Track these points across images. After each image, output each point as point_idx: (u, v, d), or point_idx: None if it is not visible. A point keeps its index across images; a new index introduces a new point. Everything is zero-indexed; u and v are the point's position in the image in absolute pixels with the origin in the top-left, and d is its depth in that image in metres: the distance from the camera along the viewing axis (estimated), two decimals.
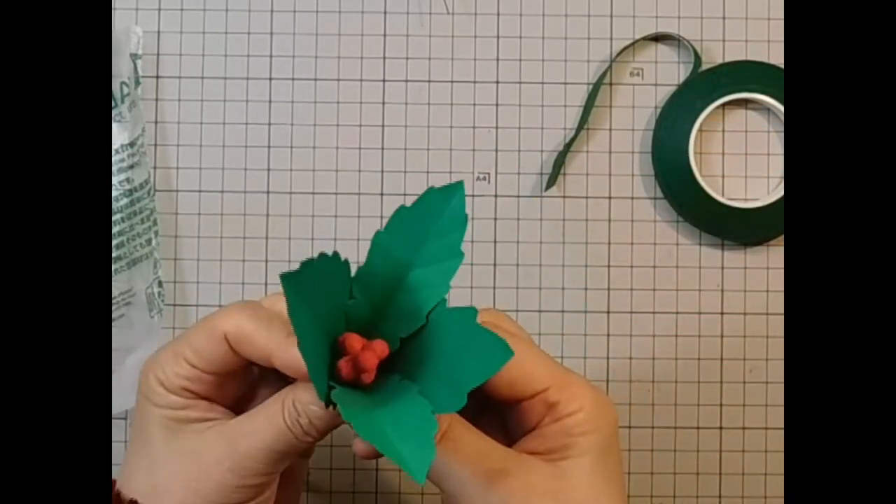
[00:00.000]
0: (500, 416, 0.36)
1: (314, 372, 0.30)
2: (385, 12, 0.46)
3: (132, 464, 0.34)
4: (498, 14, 0.46)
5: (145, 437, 0.34)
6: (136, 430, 0.34)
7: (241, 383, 0.35)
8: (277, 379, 0.34)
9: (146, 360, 0.35)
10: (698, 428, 0.45)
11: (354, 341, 0.31)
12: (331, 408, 0.31)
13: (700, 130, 0.45)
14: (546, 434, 0.33)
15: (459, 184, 0.32)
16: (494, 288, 0.46)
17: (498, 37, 0.46)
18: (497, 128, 0.46)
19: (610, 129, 0.46)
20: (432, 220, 0.32)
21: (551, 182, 0.44)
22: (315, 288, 0.30)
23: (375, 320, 0.32)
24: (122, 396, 0.43)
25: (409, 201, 0.46)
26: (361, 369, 0.31)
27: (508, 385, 0.34)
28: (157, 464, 0.33)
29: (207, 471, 0.32)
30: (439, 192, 0.32)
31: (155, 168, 0.46)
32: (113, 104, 0.43)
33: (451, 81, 0.46)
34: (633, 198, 0.46)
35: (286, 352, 0.32)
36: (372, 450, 0.32)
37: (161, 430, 0.33)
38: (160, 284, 0.45)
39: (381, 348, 0.31)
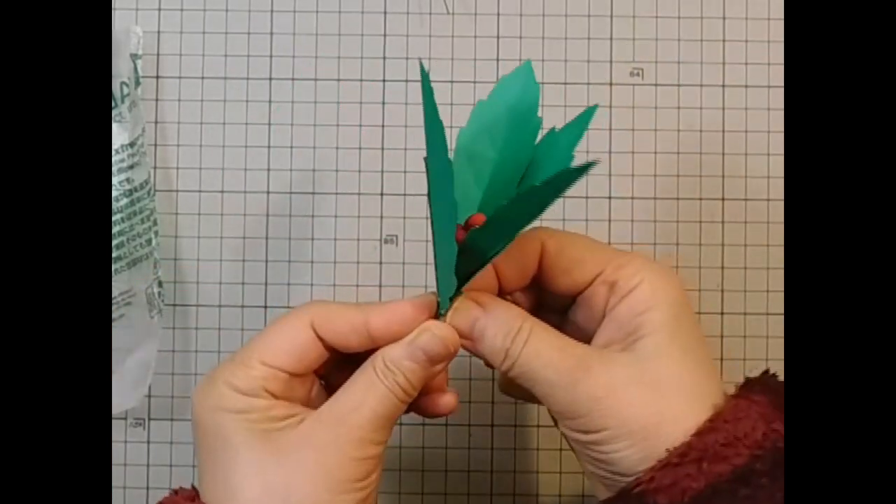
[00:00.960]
0: (567, 323, 0.36)
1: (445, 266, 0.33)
2: (385, 12, 0.46)
3: (219, 486, 0.33)
4: (498, 14, 0.46)
5: (230, 454, 0.32)
6: (209, 451, 0.33)
7: (307, 387, 0.35)
8: (340, 372, 0.35)
9: (197, 388, 0.34)
10: None
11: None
12: (423, 347, 0.33)
13: None
14: (616, 318, 0.34)
15: (527, 64, 0.35)
16: None
17: (498, 37, 0.46)
18: None
19: (610, 129, 0.46)
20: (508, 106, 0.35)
21: None
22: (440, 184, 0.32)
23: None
24: (122, 396, 0.43)
25: (409, 201, 0.46)
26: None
27: (565, 273, 0.35)
28: (256, 472, 0.32)
29: (322, 458, 0.32)
30: (509, 78, 0.35)
31: (155, 168, 0.46)
32: (113, 104, 0.43)
33: (451, 81, 0.46)
34: (633, 198, 0.46)
35: (382, 312, 0.34)
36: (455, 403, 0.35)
37: (248, 437, 0.32)
38: (160, 284, 0.45)
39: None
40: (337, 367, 0.35)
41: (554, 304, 0.37)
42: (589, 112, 0.34)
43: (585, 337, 0.35)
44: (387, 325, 0.34)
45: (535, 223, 0.33)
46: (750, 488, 0.31)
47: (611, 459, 0.32)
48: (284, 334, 0.34)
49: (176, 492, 0.34)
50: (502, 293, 0.36)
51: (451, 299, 0.34)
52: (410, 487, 0.45)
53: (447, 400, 0.36)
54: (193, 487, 0.34)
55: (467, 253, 0.33)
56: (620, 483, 0.32)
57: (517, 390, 0.36)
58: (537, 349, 0.33)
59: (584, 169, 0.30)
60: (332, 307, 0.34)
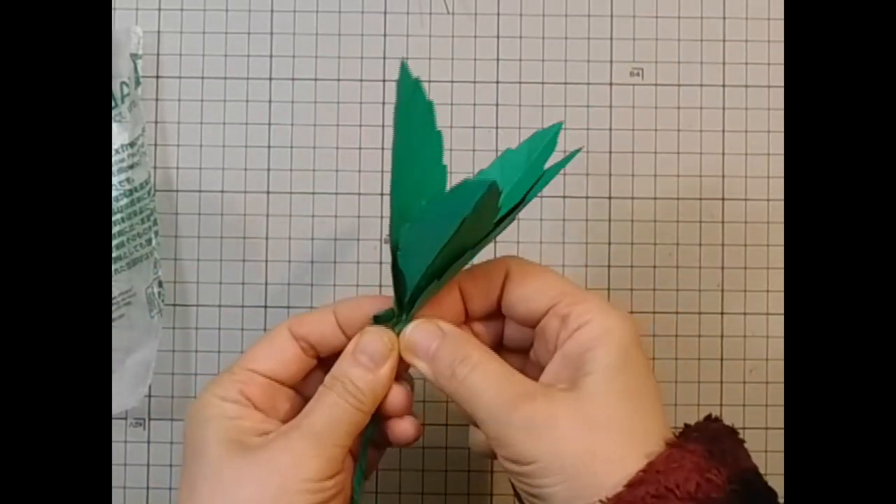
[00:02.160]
0: (535, 363, 0.37)
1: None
2: (385, 12, 0.46)
3: (184, 492, 0.34)
4: (498, 14, 0.46)
5: (196, 460, 0.34)
6: (185, 458, 0.34)
7: (291, 404, 0.37)
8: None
9: (192, 401, 0.36)
10: None
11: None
12: (363, 349, 0.35)
13: None
14: (565, 353, 0.34)
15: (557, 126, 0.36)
16: None
17: (498, 37, 0.46)
18: (497, 128, 0.46)
19: (610, 129, 0.46)
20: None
21: None
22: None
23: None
24: (122, 396, 0.43)
25: None
26: None
27: (524, 300, 0.35)
28: (213, 478, 0.33)
29: (276, 459, 0.33)
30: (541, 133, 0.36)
31: (155, 168, 0.46)
32: (113, 104, 0.43)
33: (451, 81, 0.46)
34: (633, 198, 0.46)
35: (347, 303, 0.36)
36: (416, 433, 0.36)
37: (216, 445, 0.34)
38: (160, 284, 0.45)
39: None
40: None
41: (517, 343, 0.37)
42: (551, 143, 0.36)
43: (540, 371, 0.35)
44: (352, 315, 0.36)
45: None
46: None
47: (542, 494, 0.32)
48: (264, 341, 0.37)
49: None
50: (468, 317, 0.37)
51: (406, 318, 0.35)
52: (410, 487, 0.45)
53: (404, 427, 0.36)
54: None
55: (398, 274, 0.34)
56: None
57: (480, 447, 0.37)
58: (483, 374, 0.34)
59: (485, 187, 0.31)
60: (306, 314, 0.37)
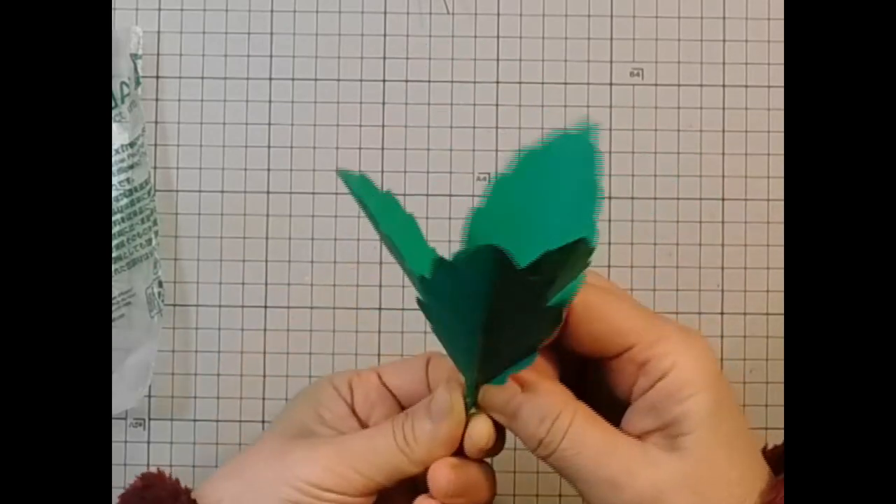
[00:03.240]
0: (597, 391, 0.34)
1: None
2: (385, 12, 0.46)
3: (224, 473, 0.35)
4: (498, 14, 0.46)
5: (259, 440, 0.35)
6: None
7: (384, 411, 0.35)
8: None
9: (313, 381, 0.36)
10: None
11: None
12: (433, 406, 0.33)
13: None
14: (650, 404, 0.31)
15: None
16: None
17: (498, 37, 0.46)
18: (497, 128, 0.46)
19: (610, 130, 0.46)
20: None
21: None
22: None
23: None
24: (122, 396, 0.43)
25: (409, 201, 0.46)
26: None
27: (590, 339, 0.32)
28: (253, 468, 0.34)
29: (295, 454, 0.33)
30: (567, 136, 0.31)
31: (155, 168, 0.46)
32: (113, 104, 0.43)
33: (451, 81, 0.46)
34: (632, 198, 0.46)
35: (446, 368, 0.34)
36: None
37: (286, 434, 0.35)
38: (160, 284, 0.45)
39: None
40: None
41: (572, 364, 0.34)
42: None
43: (607, 405, 0.32)
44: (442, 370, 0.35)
45: None
46: None
47: None
48: (405, 361, 0.37)
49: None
50: None
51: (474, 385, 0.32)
52: None
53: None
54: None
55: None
56: None
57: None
58: (579, 443, 0.31)
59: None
60: (447, 359, 0.33)
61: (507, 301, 0.28)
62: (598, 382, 0.33)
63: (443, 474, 0.32)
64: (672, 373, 0.31)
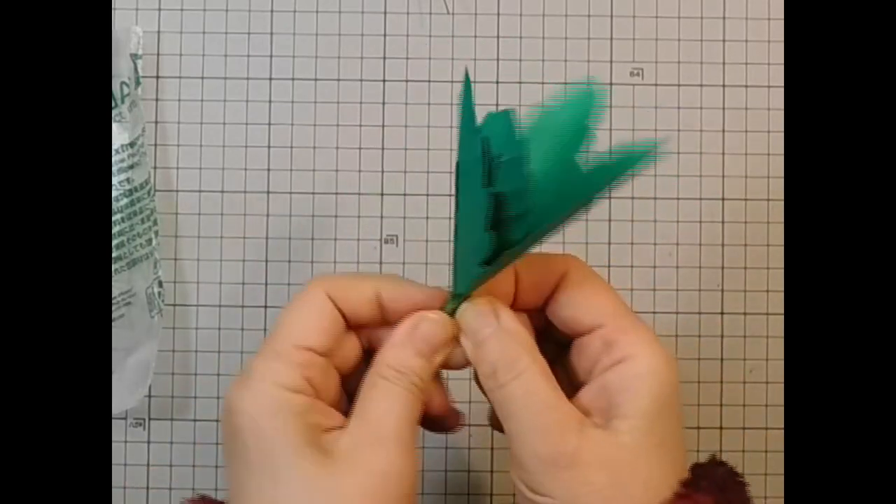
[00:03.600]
0: (560, 361, 0.35)
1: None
2: (385, 12, 0.46)
3: (263, 499, 0.31)
4: (498, 14, 0.46)
5: (278, 464, 0.31)
6: (250, 460, 0.31)
7: (335, 382, 0.34)
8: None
9: (238, 390, 0.32)
10: (698, 428, 0.45)
11: None
12: (424, 337, 0.33)
13: None
14: (604, 383, 0.32)
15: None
16: None
17: (498, 37, 0.46)
18: None
19: (610, 130, 0.46)
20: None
21: None
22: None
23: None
24: (122, 396, 0.43)
25: (409, 201, 0.46)
26: None
27: (571, 307, 0.33)
28: (306, 488, 0.31)
29: (378, 479, 0.31)
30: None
31: (155, 168, 0.46)
32: (113, 104, 0.43)
33: (452, 81, 0.46)
34: (633, 198, 0.46)
35: (394, 289, 0.34)
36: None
37: (298, 446, 0.31)
38: (160, 284, 0.45)
39: None
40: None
41: (552, 342, 0.35)
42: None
43: (569, 386, 0.34)
44: (397, 299, 0.34)
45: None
46: None
47: None
48: (307, 311, 0.33)
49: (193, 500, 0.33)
50: (514, 307, 0.34)
51: (461, 297, 0.34)
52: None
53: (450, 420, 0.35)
54: (203, 498, 0.33)
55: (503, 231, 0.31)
56: None
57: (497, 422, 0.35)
58: (527, 388, 0.32)
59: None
60: (342, 278, 0.34)
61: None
62: (562, 366, 0.35)
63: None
64: (633, 360, 0.32)
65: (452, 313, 0.34)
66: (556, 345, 0.35)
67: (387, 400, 0.32)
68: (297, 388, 0.32)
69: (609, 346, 0.33)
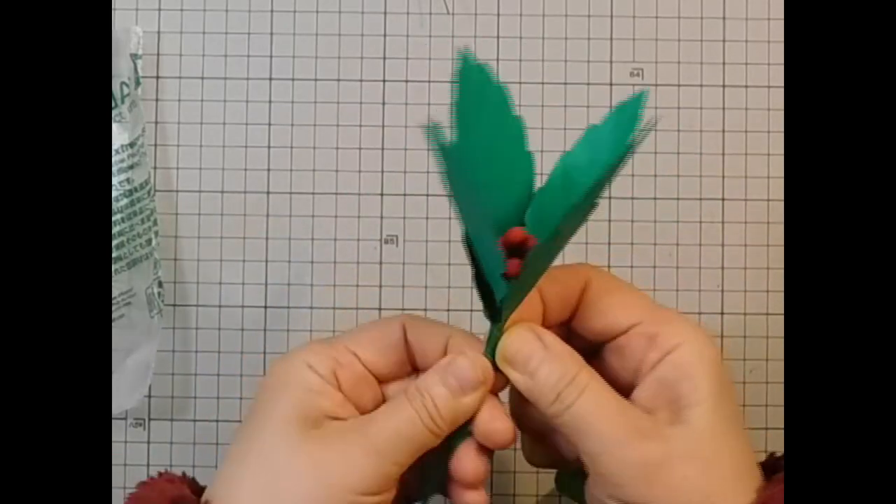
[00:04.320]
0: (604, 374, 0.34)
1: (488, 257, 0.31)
2: (385, 12, 0.46)
3: (243, 471, 0.32)
4: (498, 14, 0.46)
5: (265, 429, 0.32)
6: (250, 429, 0.33)
7: (373, 395, 0.35)
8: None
9: (274, 362, 0.34)
10: None
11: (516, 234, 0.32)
12: (455, 372, 0.33)
13: None
14: (660, 377, 0.32)
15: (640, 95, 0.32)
16: None
17: (498, 37, 0.46)
18: None
19: None
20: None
21: None
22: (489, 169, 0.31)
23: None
24: (122, 396, 0.43)
25: (409, 201, 0.46)
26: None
27: (602, 314, 0.34)
28: (280, 466, 0.32)
29: (335, 462, 0.32)
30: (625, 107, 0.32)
31: (155, 168, 0.46)
32: (113, 104, 0.43)
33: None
34: (633, 198, 0.46)
35: (465, 338, 0.34)
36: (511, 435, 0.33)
37: (289, 424, 0.32)
38: (160, 284, 0.45)
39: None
40: None
41: (579, 350, 0.35)
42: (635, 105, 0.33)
43: (615, 388, 0.33)
44: (463, 346, 0.34)
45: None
46: None
47: None
48: (374, 329, 0.35)
49: (160, 474, 0.34)
50: (544, 326, 0.34)
51: (498, 331, 0.33)
52: None
53: (473, 498, 0.34)
54: (185, 475, 0.35)
55: (524, 275, 0.31)
56: None
57: (544, 459, 0.35)
58: (595, 400, 0.32)
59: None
60: (422, 318, 0.36)
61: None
62: (603, 371, 0.34)
63: (471, 464, 0.33)
64: (682, 348, 0.32)
65: (493, 352, 0.33)
66: (583, 354, 0.34)
67: (392, 409, 0.33)
68: (319, 372, 0.33)
69: (652, 340, 0.33)
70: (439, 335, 0.34)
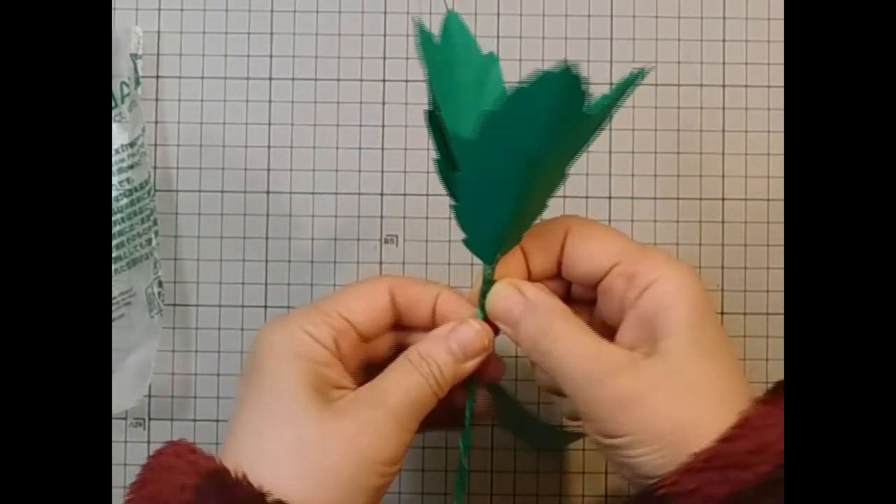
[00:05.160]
0: (601, 320, 0.36)
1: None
2: (385, 12, 0.46)
3: (250, 430, 0.33)
4: (498, 14, 0.46)
5: (274, 398, 0.33)
6: (253, 391, 0.33)
7: (360, 357, 0.36)
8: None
9: (267, 327, 0.35)
10: None
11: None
12: (459, 341, 0.35)
13: None
14: (638, 314, 0.33)
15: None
16: None
17: (498, 37, 0.46)
18: None
19: (610, 130, 0.46)
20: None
21: None
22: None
23: None
24: (122, 396, 0.43)
25: (409, 201, 0.46)
26: None
27: (585, 259, 0.35)
28: (293, 427, 0.32)
29: (360, 435, 0.32)
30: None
31: (155, 168, 0.46)
32: (113, 104, 0.43)
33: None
34: (633, 198, 0.46)
35: (452, 297, 0.36)
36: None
37: (299, 388, 0.33)
38: (160, 284, 0.45)
39: None
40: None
41: (583, 299, 0.37)
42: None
43: (610, 331, 0.35)
44: (451, 310, 0.35)
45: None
46: (775, 498, 0.30)
47: (632, 464, 0.32)
48: (364, 294, 0.36)
49: (173, 443, 0.34)
50: (530, 278, 0.36)
51: (489, 286, 0.35)
52: (411, 487, 0.45)
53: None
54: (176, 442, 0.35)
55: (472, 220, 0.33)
56: (644, 484, 0.32)
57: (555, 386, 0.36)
58: (568, 347, 0.33)
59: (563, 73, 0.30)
60: (408, 278, 0.37)
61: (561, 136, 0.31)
62: (599, 315, 0.36)
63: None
64: (657, 283, 0.33)
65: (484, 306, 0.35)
66: (586, 305, 0.36)
67: (401, 377, 0.34)
68: (323, 343, 0.34)
69: (631, 279, 0.34)
70: (427, 294, 0.36)
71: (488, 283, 0.35)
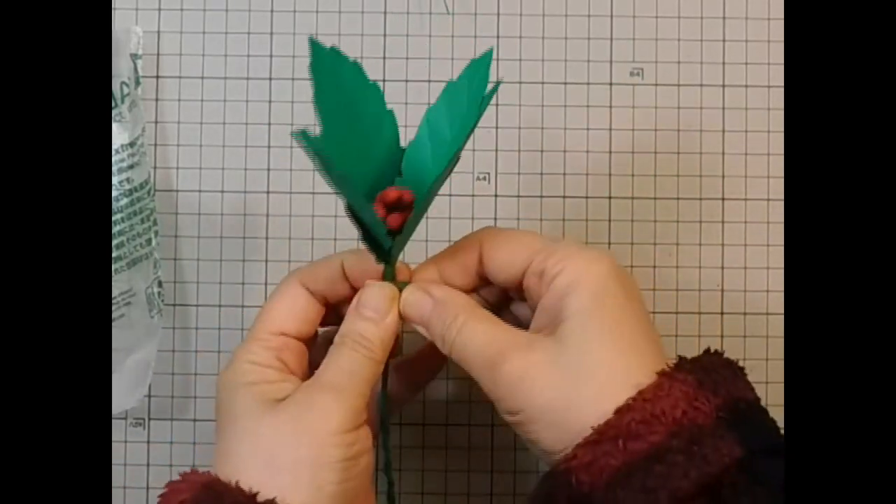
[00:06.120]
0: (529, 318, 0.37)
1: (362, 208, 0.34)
2: (385, 12, 0.46)
3: (220, 455, 0.34)
4: (498, 14, 0.46)
5: (231, 422, 0.34)
6: (220, 425, 0.35)
7: (302, 357, 0.37)
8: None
9: (222, 370, 0.36)
10: None
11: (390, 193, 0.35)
12: (366, 303, 0.36)
13: None
14: (543, 306, 0.35)
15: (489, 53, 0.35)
16: None
17: (498, 37, 0.46)
18: (497, 128, 0.46)
19: (610, 130, 0.46)
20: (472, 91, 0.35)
21: None
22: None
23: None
24: (122, 396, 0.43)
25: None
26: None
27: (501, 269, 0.36)
28: (248, 435, 0.34)
29: (303, 413, 0.34)
30: (478, 62, 0.35)
31: (155, 168, 0.46)
32: (113, 104, 0.43)
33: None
34: (633, 198, 0.46)
35: (353, 254, 0.37)
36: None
37: (251, 406, 0.34)
38: (160, 284, 0.45)
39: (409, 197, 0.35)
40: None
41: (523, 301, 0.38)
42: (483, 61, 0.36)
43: (537, 330, 0.36)
44: (357, 267, 0.37)
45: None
46: (664, 465, 0.31)
47: (532, 440, 0.34)
48: (280, 302, 0.37)
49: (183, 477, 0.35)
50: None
51: (388, 268, 0.36)
52: (410, 487, 0.45)
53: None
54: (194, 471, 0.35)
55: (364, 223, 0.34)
56: (549, 459, 0.34)
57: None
58: (469, 336, 0.35)
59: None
60: (311, 263, 0.38)
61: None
62: (530, 316, 0.37)
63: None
64: (560, 274, 0.34)
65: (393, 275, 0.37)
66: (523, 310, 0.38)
67: (331, 356, 0.35)
68: (268, 365, 0.36)
69: (541, 275, 0.35)
70: (333, 268, 0.37)
71: (391, 269, 0.37)
